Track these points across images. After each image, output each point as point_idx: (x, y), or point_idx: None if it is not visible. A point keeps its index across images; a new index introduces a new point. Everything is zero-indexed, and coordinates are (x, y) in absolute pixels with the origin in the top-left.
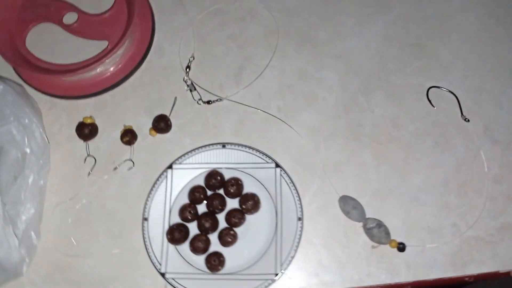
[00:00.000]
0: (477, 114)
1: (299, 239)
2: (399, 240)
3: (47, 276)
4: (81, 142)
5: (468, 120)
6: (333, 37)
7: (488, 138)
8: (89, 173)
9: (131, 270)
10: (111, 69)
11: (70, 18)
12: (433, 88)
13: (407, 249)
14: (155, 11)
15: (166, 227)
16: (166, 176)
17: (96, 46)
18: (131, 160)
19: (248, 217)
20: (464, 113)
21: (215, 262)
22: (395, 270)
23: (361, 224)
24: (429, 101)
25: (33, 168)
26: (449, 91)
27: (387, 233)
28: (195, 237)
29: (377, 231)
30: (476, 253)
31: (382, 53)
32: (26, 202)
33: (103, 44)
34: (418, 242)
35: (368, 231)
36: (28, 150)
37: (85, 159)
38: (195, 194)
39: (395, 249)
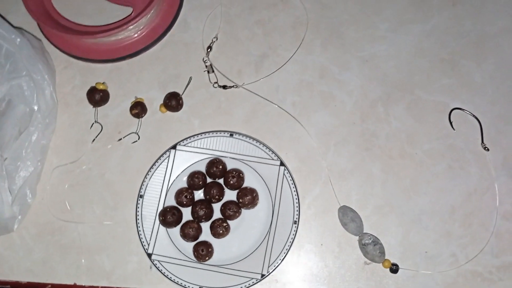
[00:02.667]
0: (498, 144)
1: (292, 242)
2: (393, 260)
3: (37, 235)
4: (90, 107)
5: (488, 149)
6: (363, 39)
7: (506, 171)
8: (93, 140)
9: (120, 244)
10: (132, 37)
11: None
12: (456, 110)
13: (399, 271)
14: None
15: (160, 208)
16: (169, 156)
17: (123, 11)
18: (137, 134)
19: (244, 211)
20: (484, 141)
21: (203, 252)
22: None
23: (357, 237)
24: (450, 122)
25: (38, 126)
26: (473, 116)
27: (382, 252)
28: (187, 223)
29: (372, 249)
30: None
31: (411, 64)
32: (26, 159)
33: (129, 10)
34: (412, 266)
35: (363, 246)
36: (35, 107)
37: (92, 125)
38: (194, 179)
39: (388, 270)
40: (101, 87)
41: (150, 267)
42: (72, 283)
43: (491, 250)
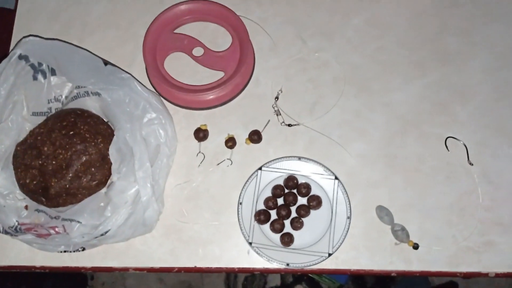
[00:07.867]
0: (479, 160)
1: (347, 231)
2: (415, 241)
3: (164, 234)
4: (195, 141)
5: (472, 164)
6: (384, 89)
7: (485, 179)
8: (199, 165)
9: (224, 238)
10: (222, 92)
11: (198, 51)
12: (450, 138)
13: (419, 248)
14: (256, 52)
15: (254, 211)
16: (257, 175)
17: (212, 73)
18: (230, 160)
19: (312, 211)
20: (470, 159)
21: (287, 240)
22: (409, 261)
23: (389, 227)
24: (446, 146)
25: (165, 155)
26: (461, 142)
27: (407, 236)
28: (274, 221)
29: (401, 233)
30: (467, 258)
31: (417, 107)
32: (158, 179)
33: (218, 73)
34: (428, 244)
35: (394, 232)
36: (163, 143)
37: (197, 154)
38: (277, 190)
39: (411, 247)
40: (203, 127)
41: (248, 252)
42: (193, 266)
43: (478, 232)
